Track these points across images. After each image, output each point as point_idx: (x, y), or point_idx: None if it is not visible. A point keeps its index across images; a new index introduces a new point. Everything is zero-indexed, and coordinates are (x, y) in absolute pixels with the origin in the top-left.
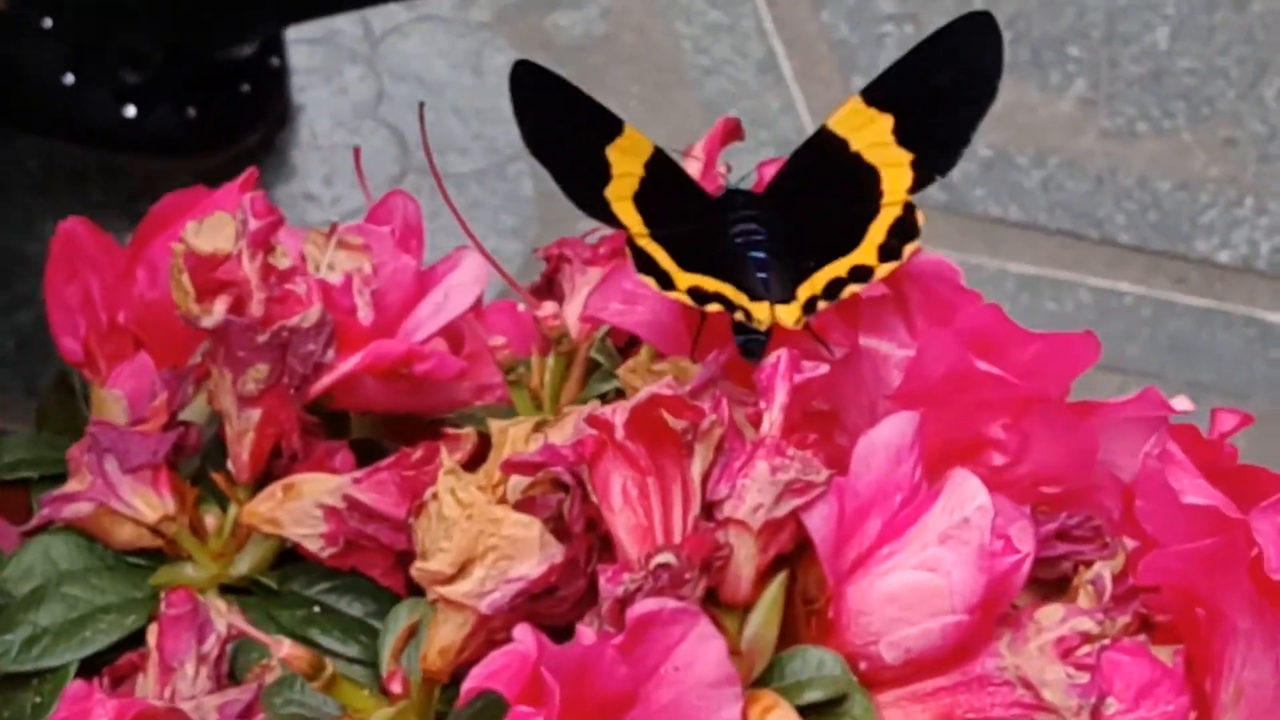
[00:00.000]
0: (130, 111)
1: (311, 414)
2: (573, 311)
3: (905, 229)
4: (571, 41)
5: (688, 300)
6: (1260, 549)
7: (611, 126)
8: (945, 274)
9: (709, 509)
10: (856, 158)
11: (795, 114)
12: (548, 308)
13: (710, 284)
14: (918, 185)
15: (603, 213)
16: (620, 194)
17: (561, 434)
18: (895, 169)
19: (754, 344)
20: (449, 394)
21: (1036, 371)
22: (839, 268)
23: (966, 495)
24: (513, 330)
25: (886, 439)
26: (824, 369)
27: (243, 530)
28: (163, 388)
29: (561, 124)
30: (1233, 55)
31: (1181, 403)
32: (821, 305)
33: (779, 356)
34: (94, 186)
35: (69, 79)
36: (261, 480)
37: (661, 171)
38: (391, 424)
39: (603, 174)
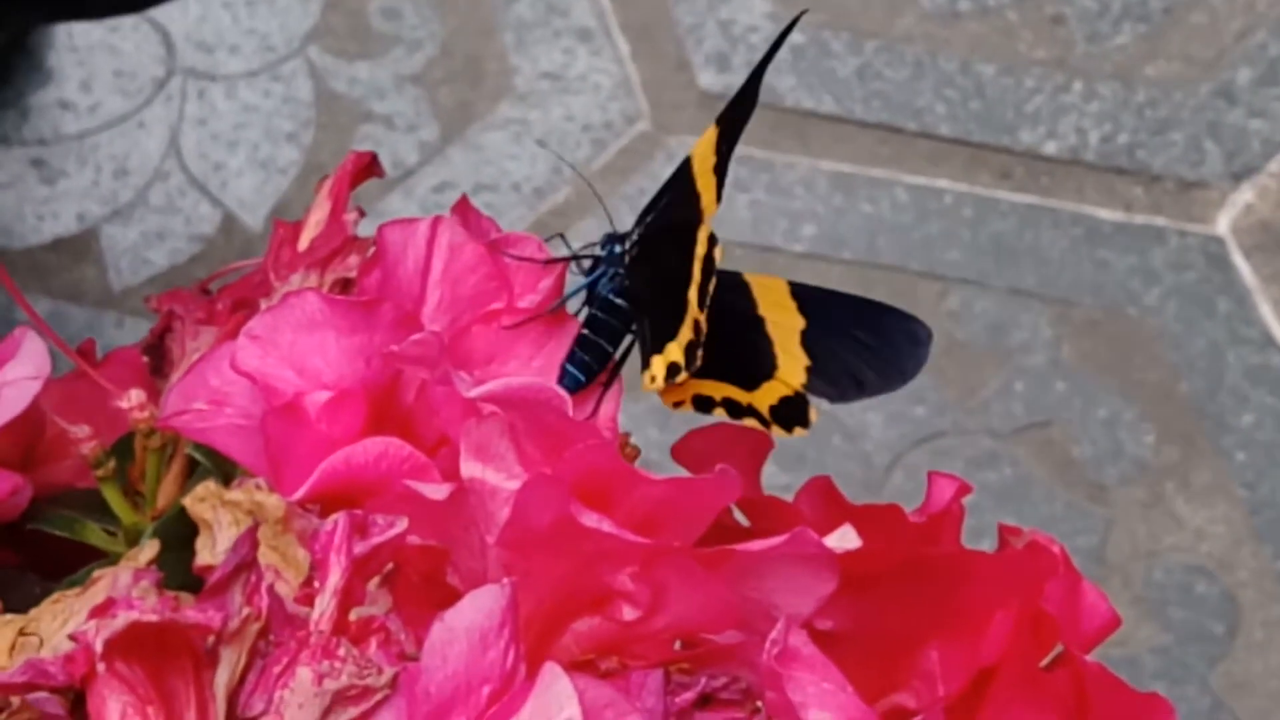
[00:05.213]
0: None
1: None
2: None
3: (795, 412)
4: None
5: None
6: None
7: None
8: (553, 402)
9: None
10: None
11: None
12: (132, 396)
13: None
14: None
15: None
16: None
17: (79, 620)
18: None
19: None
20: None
21: (660, 519)
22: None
23: (554, 702)
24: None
25: (468, 623)
26: (400, 528)
27: None
28: None
29: None
30: None
31: (842, 538)
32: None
33: (336, 522)
34: None
35: None
36: None
37: None
38: None
39: None
